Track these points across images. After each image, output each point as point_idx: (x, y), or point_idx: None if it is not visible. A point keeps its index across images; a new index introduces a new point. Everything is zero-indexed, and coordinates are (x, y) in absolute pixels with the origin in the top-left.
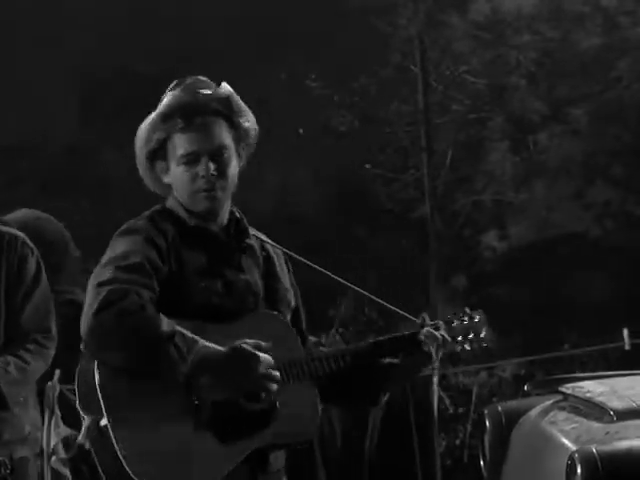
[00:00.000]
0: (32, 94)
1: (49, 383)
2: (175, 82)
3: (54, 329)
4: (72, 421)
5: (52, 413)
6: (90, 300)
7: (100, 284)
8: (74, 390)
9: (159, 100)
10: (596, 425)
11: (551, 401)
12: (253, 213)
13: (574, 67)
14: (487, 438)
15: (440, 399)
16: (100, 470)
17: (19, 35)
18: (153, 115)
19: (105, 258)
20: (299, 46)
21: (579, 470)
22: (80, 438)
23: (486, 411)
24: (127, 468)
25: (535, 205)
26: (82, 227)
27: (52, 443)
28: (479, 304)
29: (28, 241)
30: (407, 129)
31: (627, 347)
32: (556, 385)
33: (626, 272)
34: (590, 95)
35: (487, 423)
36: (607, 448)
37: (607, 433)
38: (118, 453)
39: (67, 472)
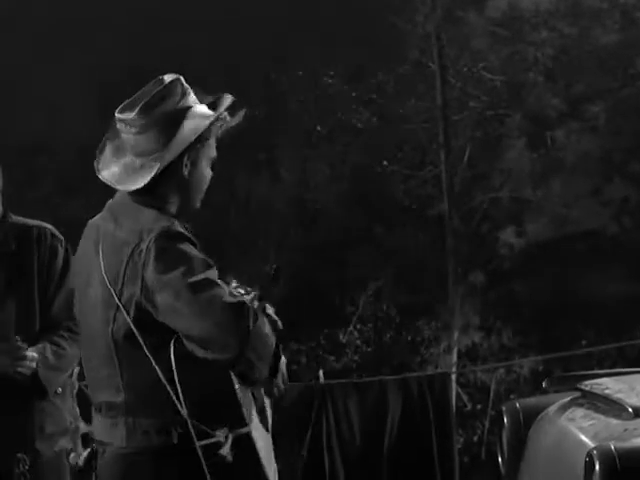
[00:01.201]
0: (49, 94)
1: (69, 379)
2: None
3: None
4: (90, 417)
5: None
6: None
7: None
8: None
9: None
10: (614, 422)
11: (569, 398)
12: (272, 210)
13: (592, 64)
14: (505, 435)
15: (458, 396)
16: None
17: (36, 37)
18: (209, 111)
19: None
20: (316, 43)
21: (597, 467)
22: (223, 450)
23: (504, 408)
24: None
25: (552, 202)
26: None
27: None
28: (497, 301)
29: (56, 232)
30: (424, 126)
31: None
32: (574, 382)
33: None
34: (608, 92)
35: (505, 420)
36: (625, 445)
37: (625, 430)
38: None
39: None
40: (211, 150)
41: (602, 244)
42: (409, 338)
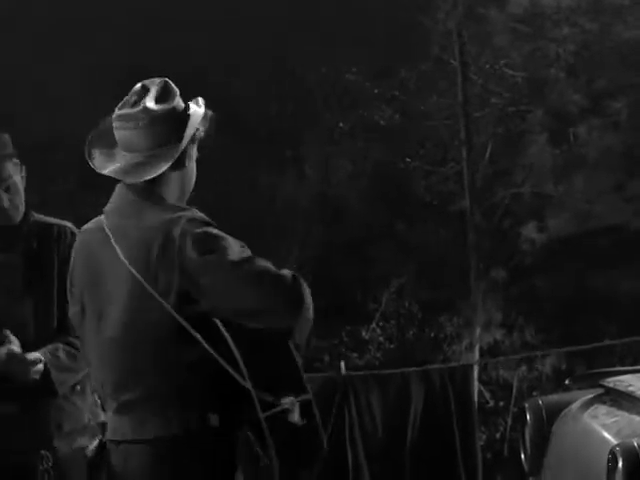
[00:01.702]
0: (65, 91)
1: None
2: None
3: None
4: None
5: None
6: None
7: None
8: None
9: (190, 94)
10: (637, 419)
11: (592, 395)
12: (294, 208)
13: (613, 59)
14: (528, 432)
15: (480, 393)
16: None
17: (50, 34)
18: (202, 110)
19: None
20: (339, 40)
21: (620, 464)
22: (293, 417)
23: (527, 405)
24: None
25: (574, 198)
26: None
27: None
28: (519, 297)
29: (76, 230)
30: (446, 122)
31: None
32: (597, 379)
33: None
34: (630, 87)
35: (528, 417)
36: None
37: None
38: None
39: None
40: (196, 146)
41: (625, 240)
42: (432, 335)
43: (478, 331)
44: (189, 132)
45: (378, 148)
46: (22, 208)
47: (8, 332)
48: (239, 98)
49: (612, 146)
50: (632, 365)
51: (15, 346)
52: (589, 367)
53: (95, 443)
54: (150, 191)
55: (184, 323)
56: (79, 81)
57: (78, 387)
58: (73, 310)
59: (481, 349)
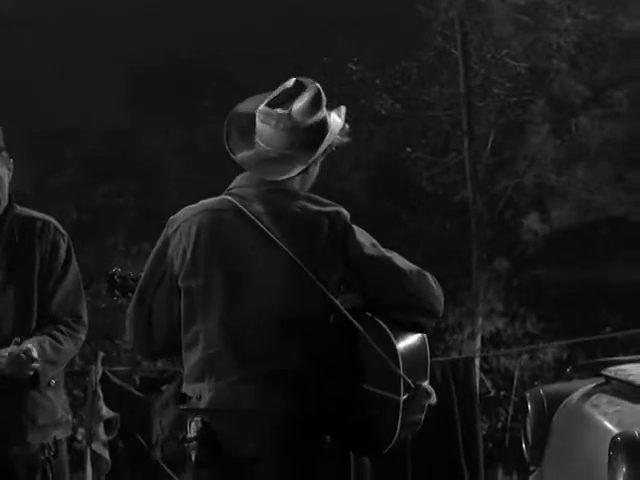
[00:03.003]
0: (78, 79)
1: (92, 366)
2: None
3: (85, 315)
4: (114, 403)
5: (94, 395)
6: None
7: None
8: (117, 372)
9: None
10: (639, 408)
11: (593, 384)
12: None
13: (615, 50)
14: (529, 421)
15: (482, 382)
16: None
17: (66, 21)
18: (342, 122)
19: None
20: (341, 30)
21: (622, 453)
22: (431, 400)
23: (528, 394)
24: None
25: (577, 188)
26: (124, 210)
27: (94, 425)
28: (521, 287)
29: (59, 226)
30: (448, 113)
31: None
32: (598, 368)
33: None
34: (631, 78)
35: (529, 406)
36: None
37: None
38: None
39: (107, 454)
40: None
41: (626, 230)
42: (433, 324)
43: (480, 320)
44: (324, 145)
45: (380, 139)
46: (4, 202)
47: (19, 338)
48: (240, 87)
49: (614, 136)
50: (635, 354)
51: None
52: (590, 356)
53: (197, 421)
54: (282, 184)
55: (342, 309)
56: (86, 76)
57: (53, 382)
58: (192, 284)
59: (483, 338)
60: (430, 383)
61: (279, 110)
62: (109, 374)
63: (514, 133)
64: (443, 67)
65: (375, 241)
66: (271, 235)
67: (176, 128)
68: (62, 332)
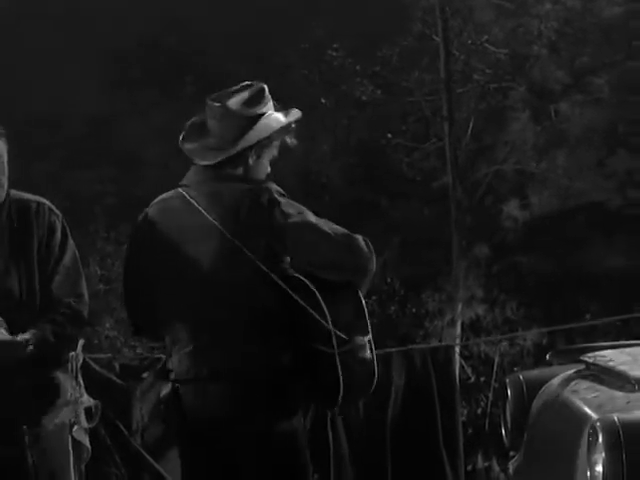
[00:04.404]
0: (58, 65)
1: (72, 353)
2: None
3: (85, 293)
4: (95, 390)
5: (75, 382)
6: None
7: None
8: (97, 359)
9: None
10: (618, 394)
11: (573, 370)
12: (278, 184)
13: (595, 36)
14: (508, 407)
15: (461, 368)
16: None
17: (47, 7)
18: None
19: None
20: (321, 16)
21: (601, 439)
22: (365, 354)
23: (507, 380)
24: None
25: (557, 174)
26: (104, 197)
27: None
28: (501, 273)
29: (53, 207)
30: (428, 98)
31: None
32: (578, 354)
33: None
34: (612, 64)
35: (508, 392)
36: (629, 417)
37: (629, 402)
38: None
39: (87, 442)
40: (274, 150)
41: (606, 216)
42: (413, 310)
43: (460, 307)
44: (249, 138)
45: (360, 124)
46: (5, 187)
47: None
48: (222, 74)
49: (594, 123)
50: (615, 341)
51: (3, 329)
52: (570, 342)
53: (168, 387)
54: (225, 171)
55: (272, 274)
56: (66, 62)
57: (66, 364)
58: (154, 264)
59: (463, 325)
60: (410, 369)
61: (217, 103)
62: (89, 361)
63: (494, 119)
64: (423, 53)
65: (304, 210)
66: (205, 214)
67: (157, 114)
68: (65, 315)
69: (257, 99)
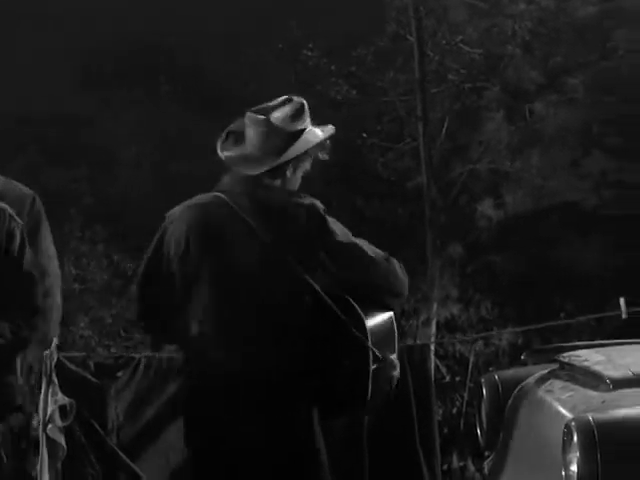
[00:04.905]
0: (31, 63)
1: (46, 351)
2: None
3: (40, 299)
4: (69, 389)
5: (49, 381)
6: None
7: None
8: (72, 358)
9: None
10: (593, 394)
11: (548, 370)
12: None
13: (570, 36)
14: (484, 407)
15: (436, 368)
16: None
17: (19, 8)
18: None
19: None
20: (296, 16)
21: (575, 438)
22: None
23: (483, 380)
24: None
25: (531, 174)
26: (79, 195)
27: (49, 411)
28: (475, 273)
29: (14, 214)
30: (403, 98)
31: (624, 316)
32: (553, 354)
33: (622, 241)
34: (586, 64)
35: (484, 392)
36: (603, 416)
37: (603, 402)
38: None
39: (62, 440)
40: (308, 164)
41: (580, 216)
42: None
43: (435, 306)
44: (292, 152)
45: (335, 124)
46: None
47: None
48: (196, 72)
49: (568, 123)
50: (589, 340)
51: None
52: (545, 342)
53: (186, 384)
54: (265, 181)
55: (318, 289)
56: (39, 60)
57: (17, 367)
58: (184, 269)
59: (438, 324)
60: None
61: (260, 116)
62: (64, 360)
63: (469, 119)
64: (398, 53)
65: (346, 230)
66: (252, 224)
67: (131, 114)
68: (23, 318)
69: (298, 114)
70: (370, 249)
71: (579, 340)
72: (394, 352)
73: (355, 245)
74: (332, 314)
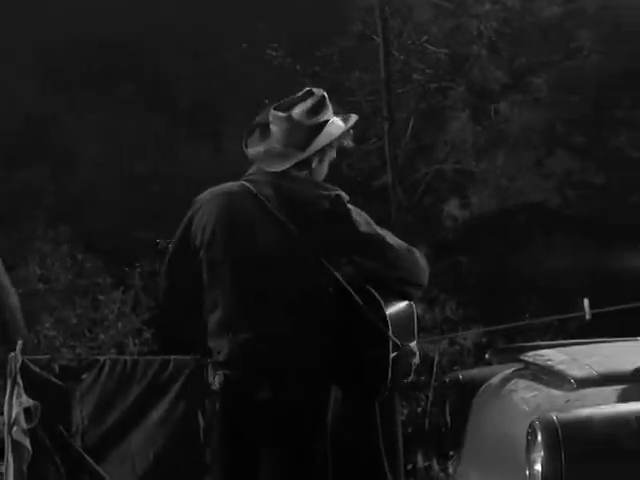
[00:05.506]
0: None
1: (11, 354)
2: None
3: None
4: (34, 391)
5: (14, 383)
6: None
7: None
8: (36, 360)
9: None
10: (556, 393)
11: (512, 369)
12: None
13: (534, 36)
14: (448, 407)
15: None
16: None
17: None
18: (346, 127)
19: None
20: (260, 16)
21: (539, 438)
22: (414, 359)
23: (447, 379)
24: None
25: (496, 174)
26: (42, 196)
27: (13, 414)
28: (441, 273)
29: None
30: (369, 98)
31: (588, 317)
32: (517, 353)
33: (587, 242)
34: (550, 64)
35: (448, 391)
36: (567, 416)
37: (567, 401)
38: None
39: (27, 443)
40: (333, 153)
41: (545, 216)
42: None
43: None
44: (316, 145)
45: None
46: None
47: None
48: (160, 72)
49: (533, 122)
50: (553, 340)
51: None
52: (509, 342)
53: (220, 378)
54: (291, 173)
55: (341, 280)
56: (5, 64)
57: None
58: (211, 255)
59: None
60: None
61: (282, 113)
62: (28, 362)
63: (434, 119)
64: (363, 53)
65: (370, 220)
66: (278, 214)
67: (94, 113)
68: None
69: (319, 107)
70: (393, 240)
71: (543, 340)
72: (414, 340)
73: (378, 236)
74: (354, 303)
